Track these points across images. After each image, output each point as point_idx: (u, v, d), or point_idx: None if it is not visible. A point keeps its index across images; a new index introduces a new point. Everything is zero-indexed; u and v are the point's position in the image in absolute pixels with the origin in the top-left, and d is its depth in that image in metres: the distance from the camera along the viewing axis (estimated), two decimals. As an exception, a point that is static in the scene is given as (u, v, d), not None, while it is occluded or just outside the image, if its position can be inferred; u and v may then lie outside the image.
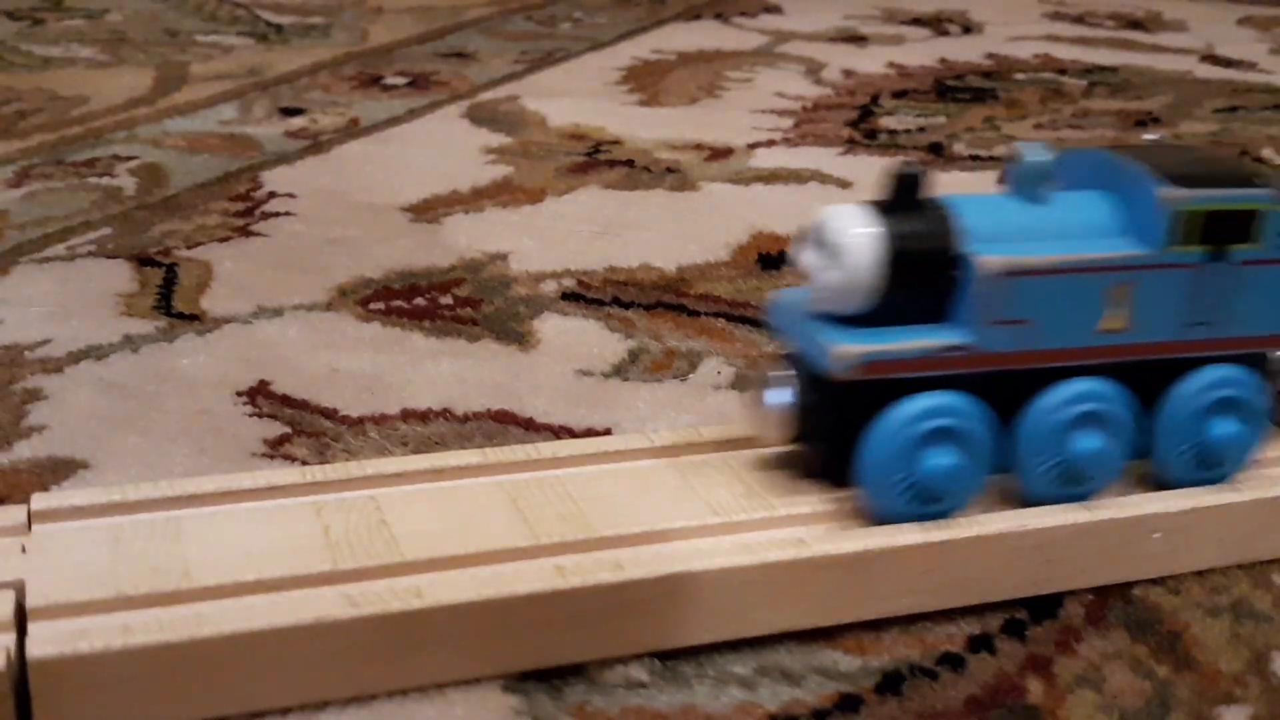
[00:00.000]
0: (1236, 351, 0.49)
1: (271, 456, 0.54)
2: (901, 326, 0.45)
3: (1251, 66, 1.33)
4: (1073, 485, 0.48)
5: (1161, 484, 0.50)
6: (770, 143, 1.00)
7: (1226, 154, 0.49)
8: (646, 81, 1.18)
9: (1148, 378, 0.48)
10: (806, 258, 0.46)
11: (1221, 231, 0.47)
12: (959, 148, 1.01)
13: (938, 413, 0.45)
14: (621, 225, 0.81)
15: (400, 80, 1.14)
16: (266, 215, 0.81)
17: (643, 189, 0.88)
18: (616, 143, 0.98)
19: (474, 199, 0.85)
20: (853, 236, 0.45)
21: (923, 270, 0.45)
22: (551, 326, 0.67)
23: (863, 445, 0.46)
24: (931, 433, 0.45)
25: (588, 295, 0.70)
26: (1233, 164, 0.49)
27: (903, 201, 0.46)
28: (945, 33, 1.45)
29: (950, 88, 1.20)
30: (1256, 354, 0.50)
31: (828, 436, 0.47)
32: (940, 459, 0.45)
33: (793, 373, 0.47)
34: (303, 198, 0.84)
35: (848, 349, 0.44)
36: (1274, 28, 1.55)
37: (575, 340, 0.66)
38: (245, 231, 0.78)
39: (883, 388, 0.45)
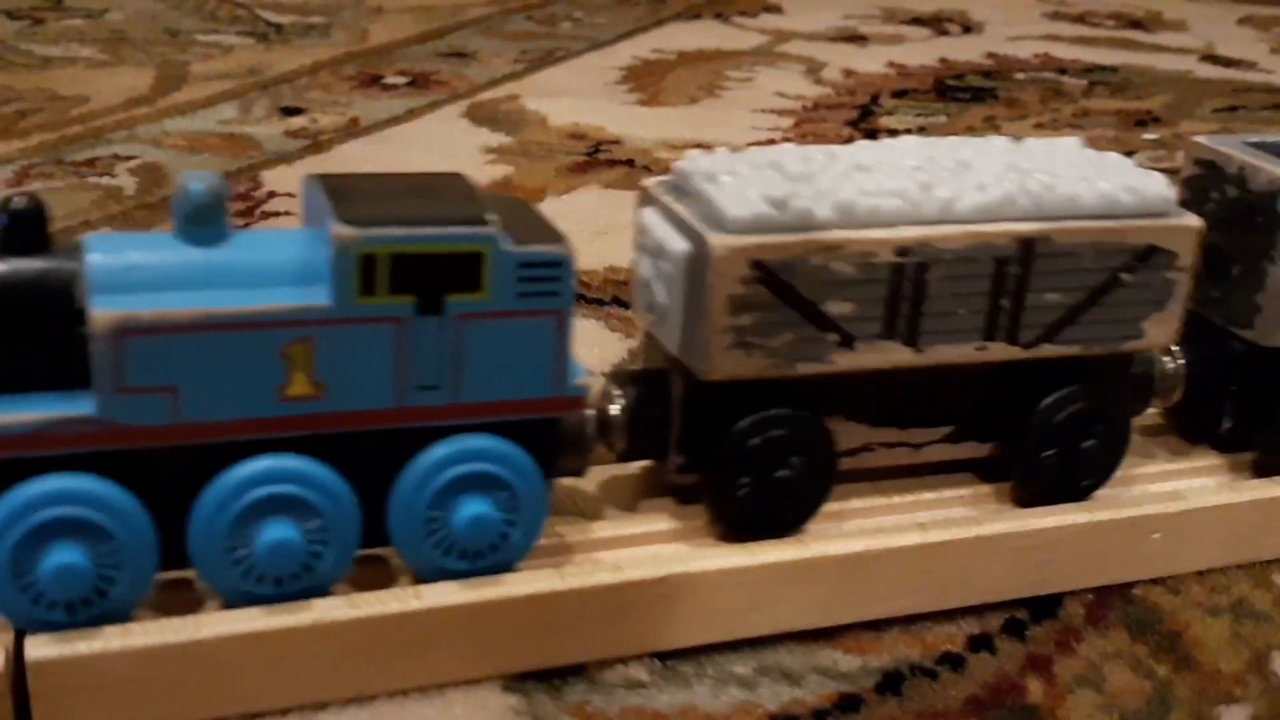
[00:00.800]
0: (492, 419, 0.40)
1: (271, 456, 0.54)
2: (18, 395, 0.37)
3: (1251, 66, 1.33)
4: (270, 583, 0.39)
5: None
6: (770, 142, 1.00)
7: (462, 185, 0.40)
8: (646, 81, 1.18)
9: (374, 452, 0.40)
10: None
11: (428, 279, 0.38)
12: (959, 147, 1.01)
13: (40, 504, 0.36)
14: (621, 225, 0.81)
15: (400, 80, 1.14)
16: (266, 215, 0.81)
17: (643, 189, 0.88)
18: (616, 142, 0.98)
19: (474, 199, 0.85)
20: None
21: (19, 324, 0.37)
22: (551, 326, 0.67)
23: None
24: (39, 530, 0.36)
25: (588, 295, 0.70)
26: (452, 198, 0.40)
27: (5, 240, 0.37)
28: (945, 32, 1.45)
29: (950, 87, 1.20)
30: (531, 420, 0.41)
31: None
32: (59, 558, 0.36)
33: None
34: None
35: None
36: (1274, 28, 1.55)
37: (575, 340, 0.65)
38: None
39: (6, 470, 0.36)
